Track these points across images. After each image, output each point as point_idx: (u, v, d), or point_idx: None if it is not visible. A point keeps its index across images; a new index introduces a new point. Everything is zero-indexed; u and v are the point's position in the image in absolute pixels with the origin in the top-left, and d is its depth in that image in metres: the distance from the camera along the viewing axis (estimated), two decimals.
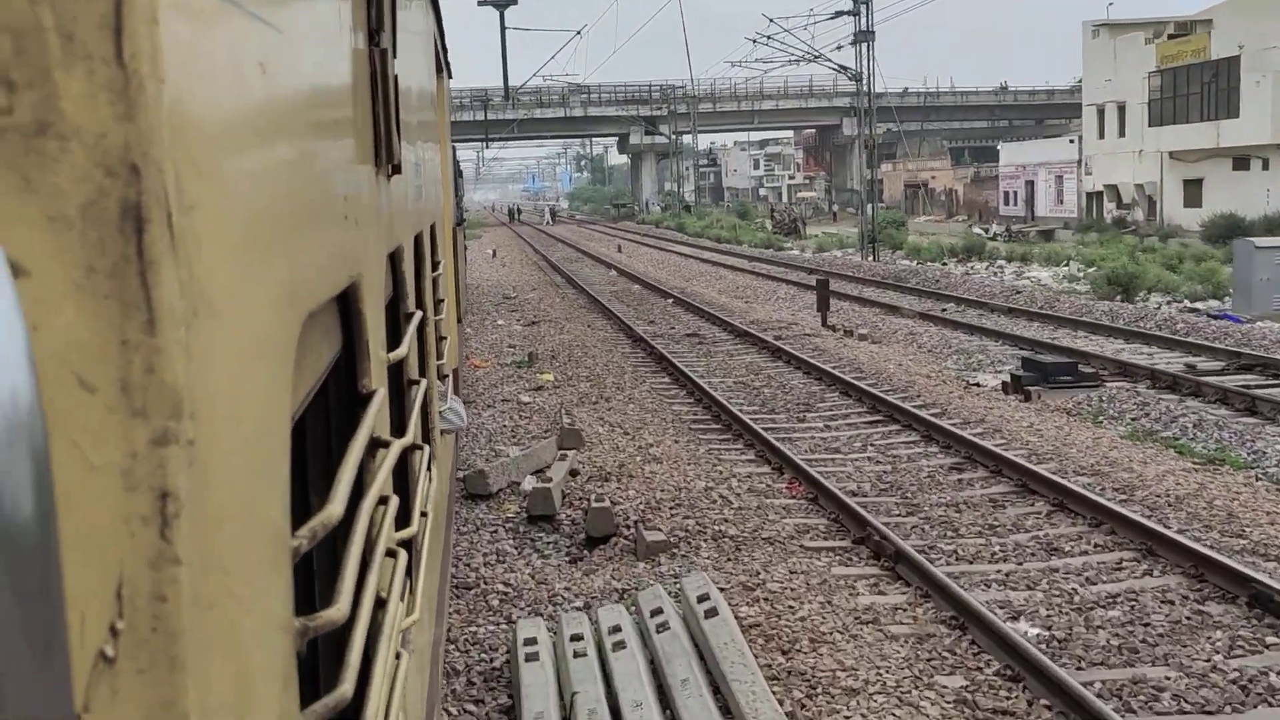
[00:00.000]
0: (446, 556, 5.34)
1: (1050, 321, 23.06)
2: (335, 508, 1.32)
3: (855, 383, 16.46)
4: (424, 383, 3.01)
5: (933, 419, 13.76)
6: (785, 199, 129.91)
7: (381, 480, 1.75)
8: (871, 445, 13.21)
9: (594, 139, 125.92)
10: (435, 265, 4.90)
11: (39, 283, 0.52)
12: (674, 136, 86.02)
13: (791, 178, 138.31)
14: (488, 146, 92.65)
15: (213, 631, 0.75)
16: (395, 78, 2.42)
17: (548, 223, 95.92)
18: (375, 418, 1.76)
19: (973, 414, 14.47)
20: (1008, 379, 16.48)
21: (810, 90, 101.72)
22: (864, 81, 41.13)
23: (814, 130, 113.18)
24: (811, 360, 18.69)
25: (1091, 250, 37.64)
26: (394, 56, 2.42)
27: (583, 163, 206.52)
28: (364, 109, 1.95)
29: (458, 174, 16.25)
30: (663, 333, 23.49)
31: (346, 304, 1.70)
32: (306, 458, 1.70)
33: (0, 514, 0.46)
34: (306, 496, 1.67)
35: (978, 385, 16.85)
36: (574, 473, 11.95)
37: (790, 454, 12.22)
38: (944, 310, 25.73)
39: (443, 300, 5.08)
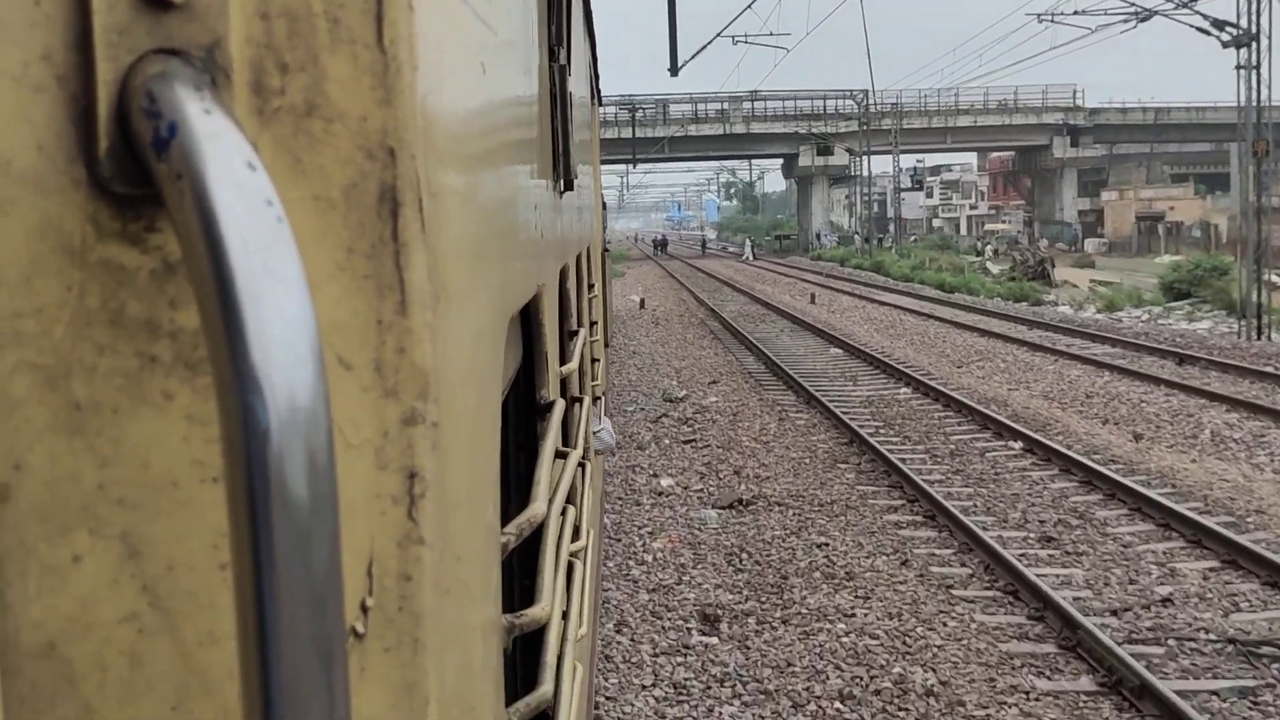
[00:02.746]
0: (598, 574, 4.95)
1: None
2: (540, 506, 1.41)
3: None
4: (586, 400, 3.07)
5: None
6: (966, 232, 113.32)
7: (565, 488, 1.79)
8: None
9: (754, 160, 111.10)
10: (590, 288, 4.97)
11: (306, 264, 0.54)
12: (865, 156, 70.53)
13: (973, 207, 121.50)
14: (635, 166, 79.16)
15: (449, 617, 0.76)
16: (570, 95, 2.49)
17: (747, 259, 79.76)
18: (556, 428, 1.82)
19: None
20: None
21: (1015, 104, 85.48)
22: (1257, 45, 25.59)
23: (1012, 153, 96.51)
24: None
25: None
26: (570, 74, 2.48)
27: (732, 190, 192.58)
28: (546, 122, 1.96)
29: (603, 205, 12.16)
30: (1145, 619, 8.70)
31: (528, 315, 1.72)
32: None
33: (285, 493, 0.49)
34: None
35: None
36: None
37: None
38: None
39: (596, 323, 5.33)
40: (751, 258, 79.78)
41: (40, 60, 0.59)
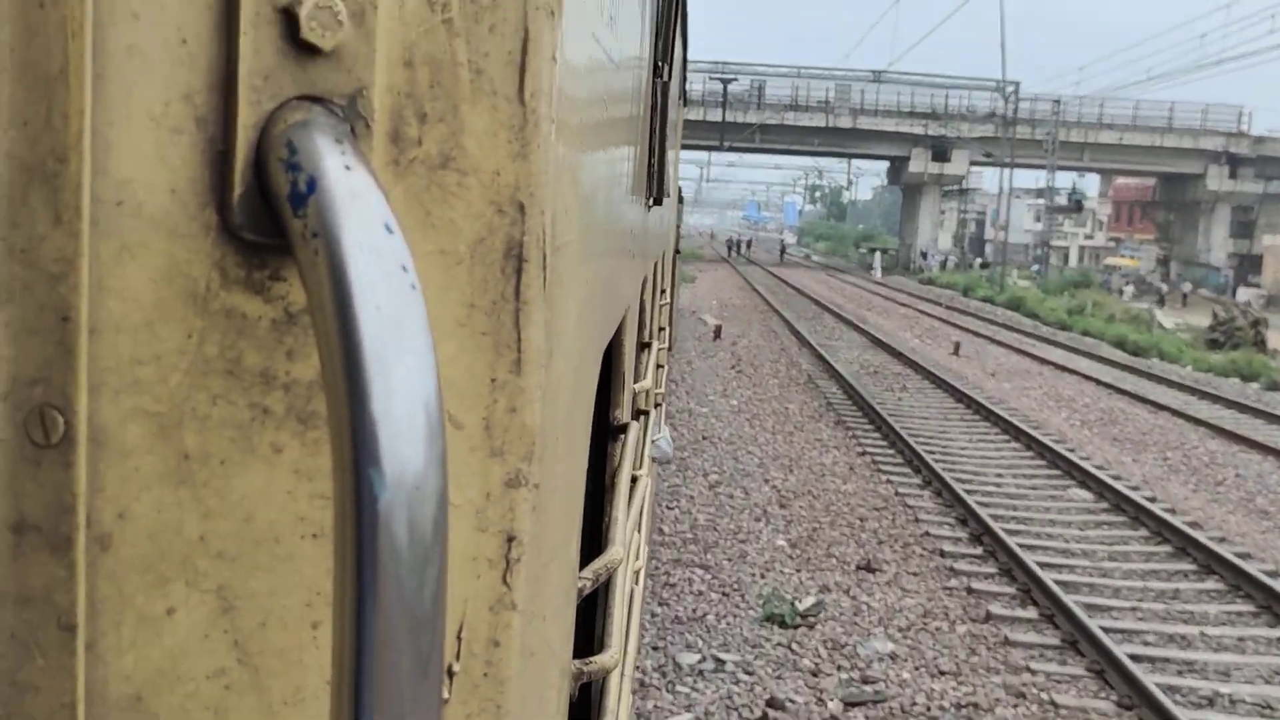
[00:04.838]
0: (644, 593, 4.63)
1: None
2: (618, 551, 1.40)
3: None
4: (652, 413, 2.99)
5: None
6: (1077, 263, 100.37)
7: (635, 516, 1.75)
8: None
9: (856, 160, 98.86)
10: (662, 293, 4.88)
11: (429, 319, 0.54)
12: (1009, 166, 58.12)
13: (1089, 237, 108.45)
14: (722, 150, 68.15)
15: (530, 679, 0.76)
16: (670, 109, 2.52)
17: (876, 274, 67.30)
18: (631, 452, 1.79)
19: None
20: None
21: (1170, 124, 72.96)
22: None
23: (1150, 180, 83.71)
24: None
25: None
26: (671, 89, 2.53)
27: (817, 194, 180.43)
28: (645, 139, 1.89)
29: (679, 198, 12.03)
30: None
31: (612, 338, 1.72)
32: None
33: (395, 565, 0.49)
34: None
35: None
36: None
37: None
38: None
39: (664, 329, 5.20)
40: (880, 274, 68.10)
41: (181, 100, 0.58)
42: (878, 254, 75.58)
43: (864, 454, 14.94)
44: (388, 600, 0.48)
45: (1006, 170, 62.52)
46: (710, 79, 62.92)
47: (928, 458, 14.08)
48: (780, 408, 18.34)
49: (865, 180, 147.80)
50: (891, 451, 15.10)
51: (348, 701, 0.48)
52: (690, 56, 9.47)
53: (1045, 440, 15.74)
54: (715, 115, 63.36)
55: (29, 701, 0.58)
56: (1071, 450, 15.62)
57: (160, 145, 0.58)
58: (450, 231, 0.65)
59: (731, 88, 63.57)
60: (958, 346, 28.01)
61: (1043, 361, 27.11)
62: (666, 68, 2.27)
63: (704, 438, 15.64)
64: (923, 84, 69.22)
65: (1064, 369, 25.81)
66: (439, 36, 0.64)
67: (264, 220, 0.59)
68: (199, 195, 0.59)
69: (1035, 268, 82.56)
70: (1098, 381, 23.92)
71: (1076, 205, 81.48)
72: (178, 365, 0.59)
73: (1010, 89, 60.50)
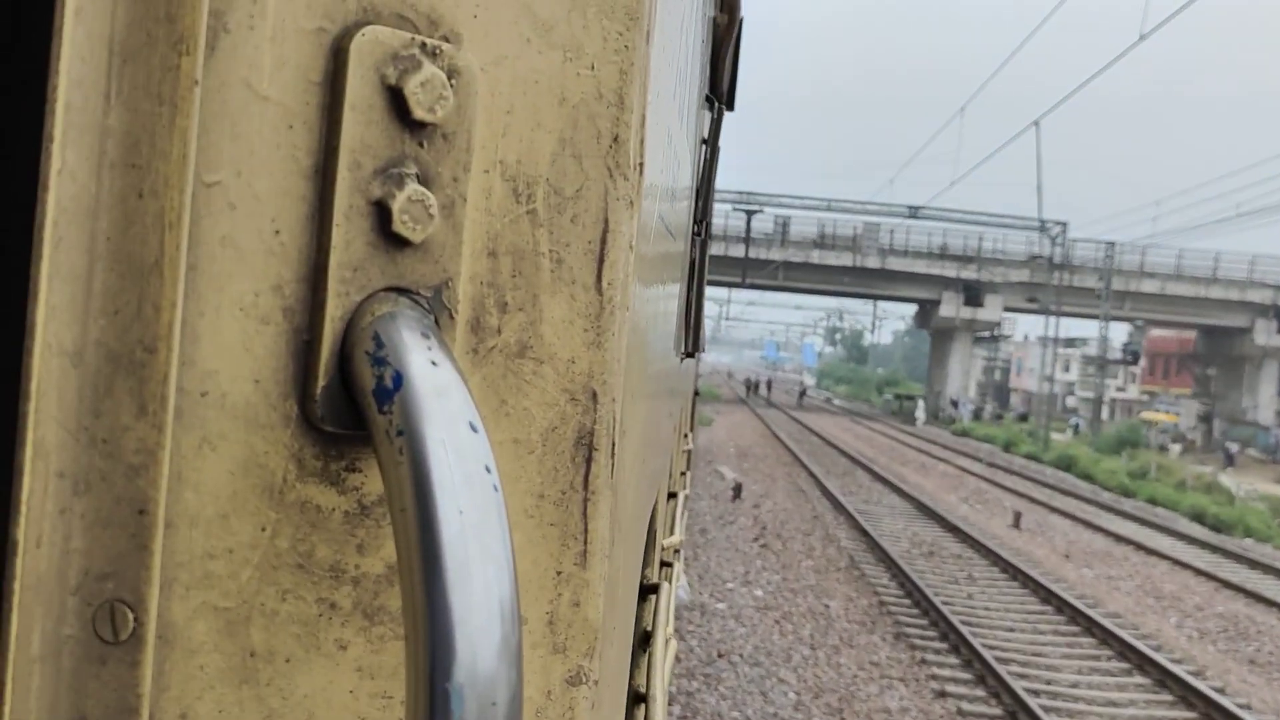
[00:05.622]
0: None
1: None
2: None
3: None
4: (676, 566, 2.83)
5: None
6: (1108, 417, 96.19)
7: (666, 679, 1.72)
8: None
9: (882, 301, 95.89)
10: (685, 437, 4.67)
11: None
12: (1055, 314, 54.43)
13: (1120, 389, 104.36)
14: (745, 284, 65.05)
15: None
16: (706, 263, 2.47)
17: (920, 421, 62.78)
18: (664, 614, 1.76)
19: None
20: None
21: (1214, 275, 69.58)
22: None
23: (1195, 333, 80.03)
24: None
25: None
26: (709, 246, 2.52)
27: (837, 336, 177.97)
28: (683, 295, 1.96)
29: None
30: None
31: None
32: None
33: None
34: None
35: None
36: None
37: None
38: None
39: (685, 473, 4.92)
40: (923, 421, 64.22)
41: (271, 291, 0.57)
42: (921, 403, 71.39)
43: (942, 694, 10.84)
44: None
45: (1039, 317, 59.05)
46: (734, 210, 60.19)
47: (1032, 702, 10.01)
48: (818, 605, 14.31)
49: (886, 323, 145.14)
50: (980, 691, 11.00)
51: None
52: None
53: (1176, 670, 11.65)
54: (737, 251, 60.26)
55: None
56: (1219, 690, 11.51)
57: (246, 335, 0.57)
58: (524, 420, 0.64)
59: (756, 223, 60.71)
60: (1018, 518, 23.92)
61: (1119, 539, 22.99)
62: (704, 224, 2.23)
63: (720, 654, 11.62)
64: (961, 221, 66.05)
65: (1148, 551, 21.69)
66: (523, 227, 0.64)
67: (345, 412, 0.57)
68: (281, 386, 0.58)
69: (1073, 421, 78.46)
70: (1196, 570, 19.79)
71: (1133, 357, 77.56)
72: (249, 559, 0.58)
73: (1056, 230, 57.28)
